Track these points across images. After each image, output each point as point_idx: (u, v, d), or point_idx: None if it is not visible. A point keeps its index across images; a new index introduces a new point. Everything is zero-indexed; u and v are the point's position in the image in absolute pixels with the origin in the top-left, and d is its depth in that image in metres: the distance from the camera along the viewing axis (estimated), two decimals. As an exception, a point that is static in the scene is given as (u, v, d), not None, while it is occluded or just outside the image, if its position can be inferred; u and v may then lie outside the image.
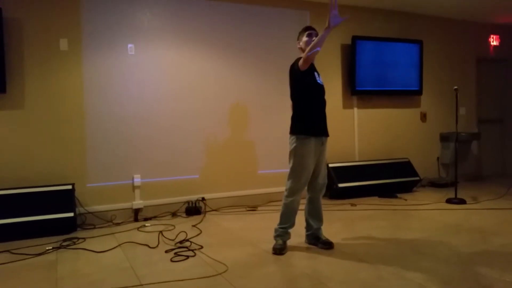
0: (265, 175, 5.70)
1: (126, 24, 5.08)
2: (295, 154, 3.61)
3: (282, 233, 3.69)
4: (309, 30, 3.74)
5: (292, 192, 3.64)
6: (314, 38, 3.68)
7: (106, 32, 4.98)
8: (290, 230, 3.73)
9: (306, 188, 3.76)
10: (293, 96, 3.74)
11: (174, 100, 5.33)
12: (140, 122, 5.15)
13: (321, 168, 3.74)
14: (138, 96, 5.14)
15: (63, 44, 4.80)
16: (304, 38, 3.72)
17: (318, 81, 3.71)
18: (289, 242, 3.75)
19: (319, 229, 3.79)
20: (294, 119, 3.70)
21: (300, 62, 3.53)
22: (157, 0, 5.23)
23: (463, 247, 3.63)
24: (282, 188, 3.72)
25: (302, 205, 3.79)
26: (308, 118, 3.63)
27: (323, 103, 3.73)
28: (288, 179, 3.67)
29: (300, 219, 3.82)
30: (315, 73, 3.71)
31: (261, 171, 5.72)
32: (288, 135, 3.70)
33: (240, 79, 5.69)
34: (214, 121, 5.55)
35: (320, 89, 3.71)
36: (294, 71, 3.64)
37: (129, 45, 5.09)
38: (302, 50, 3.73)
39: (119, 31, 5.05)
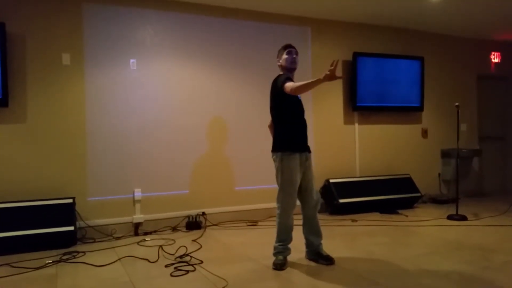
0: (265, 190, 5.70)
1: (129, 39, 5.13)
2: (282, 170, 3.61)
3: (282, 249, 3.67)
4: (289, 48, 3.76)
5: (285, 209, 3.64)
6: (294, 55, 3.73)
7: (108, 47, 5.03)
8: (290, 245, 3.72)
9: (301, 206, 3.77)
10: (276, 113, 3.75)
11: (176, 115, 5.36)
12: (141, 136, 5.17)
13: (312, 184, 3.75)
14: (139, 111, 5.17)
15: (66, 58, 4.85)
16: (284, 56, 3.75)
17: (299, 98, 3.73)
18: (290, 258, 3.73)
19: (319, 244, 3.78)
20: (277, 136, 3.71)
21: (287, 89, 3.49)
22: (160, 16, 5.29)
23: (464, 264, 3.61)
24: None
25: (298, 221, 3.78)
26: (292, 135, 3.65)
27: (304, 120, 3.76)
28: (279, 197, 3.66)
29: (299, 234, 3.80)
30: None
31: (262, 186, 5.71)
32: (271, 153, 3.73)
33: (242, 95, 5.72)
34: (216, 136, 5.57)
35: (301, 105, 3.75)
36: (277, 89, 3.63)
37: (132, 60, 5.14)
38: (282, 67, 3.78)
39: (121, 46, 5.10)
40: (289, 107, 3.66)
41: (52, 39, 4.80)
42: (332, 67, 3.16)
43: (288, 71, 3.75)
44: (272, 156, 3.71)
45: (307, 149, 3.73)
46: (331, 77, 3.19)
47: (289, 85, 3.49)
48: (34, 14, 4.73)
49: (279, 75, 3.73)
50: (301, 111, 3.75)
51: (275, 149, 3.69)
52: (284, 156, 3.59)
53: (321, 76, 3.23)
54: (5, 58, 4.49)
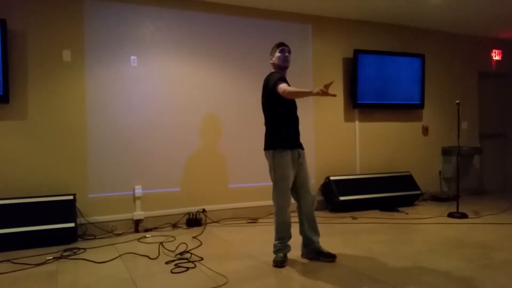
0: (265, 187, 5.68)
1: (129, 36, 5.13)
2: (275, 168, 3.63)
3: (282, 247, 3.67)
4: (282, 46, 3.76)
5: (280, 206, 3.65)
6: (287, 54, 3.73)
7: (109, 43, 5.03)
8: (289, 242, 3.72)
9: (297, 204, 3.77)
10: (267, 111, 3.73)
11: (176, 112, 5.35)
12: (141, 133, 5.17)
13: (307, 181, 3.74)
14: (140, 108, 5.17)
15: (66, 55, 4.84)
16: (277, 54, 3.75)
17: None
18: (290, 255, 3.74)
19: (318, 242, 3.77)
20: (268, 134, 3.72)
21: (279, 90, 3.49)
22: (161, 12, 5.28)
23: (464, 261, 3.61)
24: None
25: (295, 218, 3.78)
26: (283, 132, 3.65)
27: (296, 118, 3.75)
28: (273, 195, 3.68)
29: (298, 232, 3.80)
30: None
31: (262, 184, 5.70)
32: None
33: (243, 92, 5.71)
34: (217, 133, 5.57)
35: (293, 104, 3.72)
36: (269, 88, 3.63)
37: (132, 57, 5.13)
38: (274, 65, 3.78)
39: (122, 43, 5.09)
40: (282, 106, 3.65)
41: (53, 35, 4.80)
42: (326, 88, 3.20)
43: (280, 69, 3.75)
44: (265, 154, 3.72)
45: (299, 146, 3.72)
46: (323, 94, 3.23)
47: (282, 86, 3.49)
48: (35, 10, 4.72)
49: (272, 73, 3.72)
50: (293, 108, 3.74)
51: (267, 147, 3.71)
52: (276, 153, 3.61)
53: (314, 90, 3.26)
54: (6, 54, 4.49)
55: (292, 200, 3.75)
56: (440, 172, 7.20)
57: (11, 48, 4.59)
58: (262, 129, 4.00)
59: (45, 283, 3.28)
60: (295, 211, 3.78)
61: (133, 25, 5.15)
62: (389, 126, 6.83)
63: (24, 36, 4.69)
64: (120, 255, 3.99)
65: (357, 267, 3.51)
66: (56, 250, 4.21)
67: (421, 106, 6.93)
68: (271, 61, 3.81)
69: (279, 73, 3.70)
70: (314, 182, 6.00)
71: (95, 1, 4.96)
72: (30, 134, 4.70)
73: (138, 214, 5.08)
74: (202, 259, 3.80)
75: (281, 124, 3.65)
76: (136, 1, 5.15)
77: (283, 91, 3.46)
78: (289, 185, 3.64)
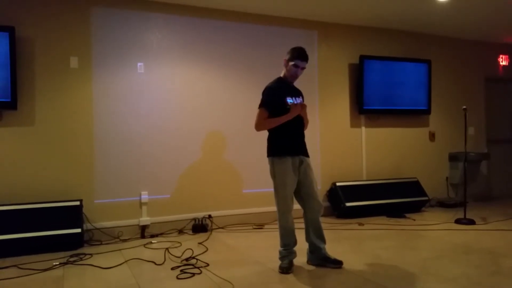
0: (271, 193, 5.67)
1: (136, 42, 5.16)
2: (274, 175, 3.65)
3: (287, 253, 3.66)
4: (299, 61, 3.67)
5: (282, 212, 3.66)
6: (299, 72, 3.71)
7: (116, 50, 5.06)
8: (295, 248, 3.71)
9: (303, 212, 3.75)
10: None
11: (182, 118, 5.37)
12: (148, 139, 5.19)
13: (313, 188, 3.70)
14: (146, 114, 5.19)
15: (74, 62, 4.88)
16: (291, 65, 3.68)
17: (290, 101, 3.66)
18: (296, 262, 3.72)
19: (324, 248, 3.75)
20: (269, 141, 3.73)
21: (255, 123, 3.70)
22: (167, 19, 5.31)
23: (472, 268, 3.58)
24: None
25: (300, 224, 3.76)
26: (280, 139, 3.64)
27: (297, 123, 3.68)
28: (275, 201, 3.69)
29: (304, 238, 3.79)
30: (287, 96, 3.68)
31: (268, 189, 5.68)
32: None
33: (249, 98, 5.71)
34: (223, 139, 5.58)
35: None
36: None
37: (139, 64, 5.16)
38: (284, 69, 3.76)
39: (129, 49, 5.12)
40: (280, 113, 3.64)
41: (61, 42, 4.84)
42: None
43: (285, 78, 3.77)
44: (268, 161, 3.71)
45: (301, 153, 3.69)
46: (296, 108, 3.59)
47: (256, 122, 3.72)
48: (42, 17, 4.77)
49: (267, 86, 3.76)
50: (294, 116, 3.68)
51: (268, 154, 3.72)
52: (275, 160, 3.62)
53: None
54: (15, 61, 4.53)
55: (299, 207, 3.75)
56: (447, 178, 7.16)
57: (19, 55, 4.63)
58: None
59: (51, 289, 3.29)
60: (300, 217, 3.77)
61: (140, 32, 5.18)
62: (396, 132, 6.80)
63: (32, 43, 4.73)
64: (126, 261, 4.00)
65: (363, 274, 3.49)
66: (62, 255, 4.22)
67: (427, 111, 6.90)
68: (284, 63, 3.77)
69: (277, 84, 3.75)
70: (320, 188, 5.98)
71: (102, 8, 5.00)
72: (38, 140, 4.72)
73: (144, 220, 5.09)
74: (208, 265, 3.80)
75: (280, 130, 3.64)
76: (143, 8, 5.18)
77: (255, 126, 3.70)
78: (289, 191, 3.62)
